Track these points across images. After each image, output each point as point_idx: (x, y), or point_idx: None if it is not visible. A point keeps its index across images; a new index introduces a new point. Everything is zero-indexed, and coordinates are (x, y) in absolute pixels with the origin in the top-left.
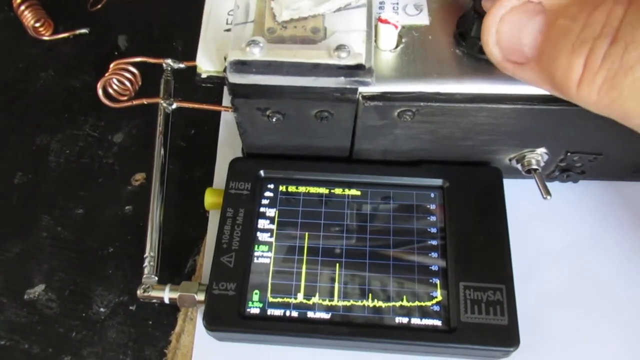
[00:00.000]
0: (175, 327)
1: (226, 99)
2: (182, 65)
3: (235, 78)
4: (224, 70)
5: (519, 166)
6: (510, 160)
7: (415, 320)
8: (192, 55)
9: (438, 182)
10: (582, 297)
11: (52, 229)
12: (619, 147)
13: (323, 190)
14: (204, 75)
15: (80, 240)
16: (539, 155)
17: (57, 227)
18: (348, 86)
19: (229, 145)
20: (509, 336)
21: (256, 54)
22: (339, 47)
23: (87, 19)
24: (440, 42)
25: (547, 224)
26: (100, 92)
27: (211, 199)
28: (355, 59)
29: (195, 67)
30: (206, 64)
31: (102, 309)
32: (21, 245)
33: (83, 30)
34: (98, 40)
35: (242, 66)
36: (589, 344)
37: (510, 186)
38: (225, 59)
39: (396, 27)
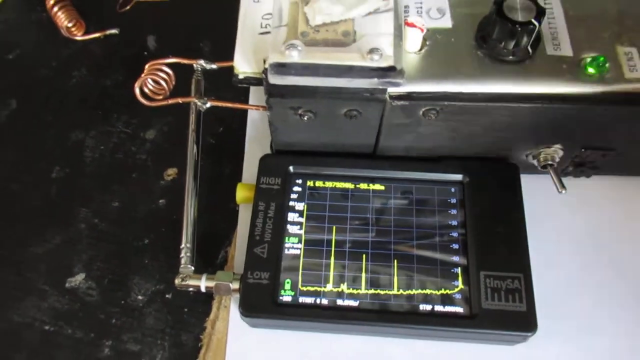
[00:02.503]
0: (209, 314)
1: (253, 98)
2: (214, 66)
3: (275, 79)
4: (263, 72)
5: (535, 162)
6: (526, 156)
7: (439, 308)
8: (219, 56)
9: (458, 177)
10: (595, 285)
11: (90, 221)
12: (632, 144)
13: (349, 185)
14: (241, 76)
15: (117, 232)
16: (554, 152)
17: (94, 219)
18: (380, 87)
19: (256, 142)
20: (527, 321)
21: (295, 56)
22: (372, 50)
23: (117, 19)
24: (463, 45)
25: (562, 216)
26: (137, 91)
27: (242, 193)
28: (387, 61)
29: (227, 67)
30: (243, 65)
31: (139, 297)
32: (61, 236)
33: (113, 31)
34: (128, 40)
35: (281, 68)
36: (603, 329)
37: (526, 181)
38: (264, 61)
39: (422, 30)
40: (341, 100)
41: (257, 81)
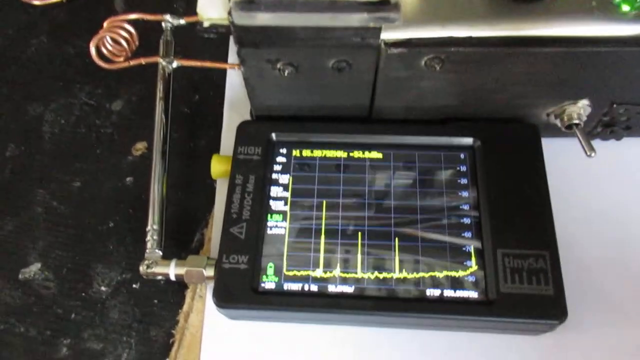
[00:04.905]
0: (183, 305)
1: (232, 58)
2: (182, 22)
3: (241, 18)
4: (229, 13)
5: (557, 121)
6: (548, 115)
7: (449, 293)
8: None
9: (468, 141)
10: (630, 264)
11: (48, 204)
12: None
13: (341, 153)
14: (206, 24)
15: (78, 215)
16: (580, 109)
17: (53, 202)
18: (371, 24)
19: (236, 110)
20: (555, 307)
21: None
22: None
23: None
24: None
25: (589, 185)
26: (93, 51)
27: (218, 166)
28: None
29: (197, 23)
30: (209, 11)
31: (103, 288)
32: (14, 222)
33: None
34: (94, 4)
35: (249, 4)
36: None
37: (546, 145)
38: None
39: None
40: (326, 48)
41: (226, 29)
